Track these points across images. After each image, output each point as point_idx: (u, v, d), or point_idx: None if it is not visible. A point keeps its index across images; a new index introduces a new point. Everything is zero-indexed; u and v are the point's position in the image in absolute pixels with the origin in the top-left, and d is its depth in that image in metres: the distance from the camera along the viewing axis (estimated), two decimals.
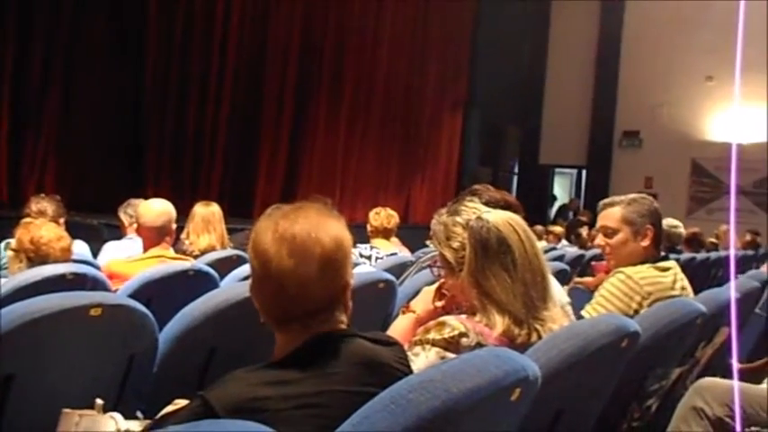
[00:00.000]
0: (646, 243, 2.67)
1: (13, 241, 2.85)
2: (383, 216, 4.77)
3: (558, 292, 2.21)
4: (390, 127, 10.94)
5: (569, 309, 2.38)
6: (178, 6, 8.48)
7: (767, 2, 9.43)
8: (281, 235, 1.30)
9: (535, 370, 1.20)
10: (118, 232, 4.76)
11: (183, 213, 4.59)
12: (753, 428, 2.23)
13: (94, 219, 6.48)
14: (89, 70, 7.79)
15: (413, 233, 6.68)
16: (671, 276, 2.69)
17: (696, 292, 2.80)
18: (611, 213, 2.71)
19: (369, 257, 4.42)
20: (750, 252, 8.57)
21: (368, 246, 4.64)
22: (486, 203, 2.03)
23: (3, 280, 2.64)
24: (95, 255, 4.22)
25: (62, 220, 3.94)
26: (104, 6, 7.83)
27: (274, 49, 9.38)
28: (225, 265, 3.47)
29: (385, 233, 4.74)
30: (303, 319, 1.32)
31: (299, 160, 9.87)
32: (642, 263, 2.69)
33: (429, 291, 1.94)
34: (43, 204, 4.00)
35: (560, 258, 5.50)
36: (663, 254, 2.90)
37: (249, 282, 1.38)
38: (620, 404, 2.07)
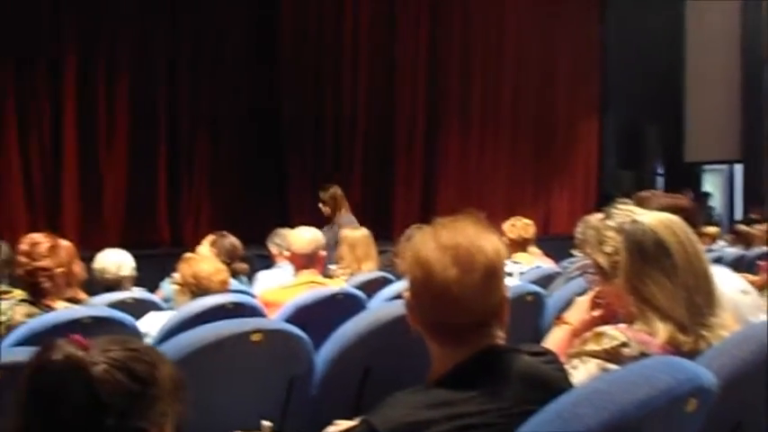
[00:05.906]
0: None
1: (176, 276, 3.04)
2: (519, 226, 4.54)
3: (730, 291, 2.06)
4: (523, 137, 10.74)
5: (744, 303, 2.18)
6: (307, 38, 8.87)
7: None
8: (444, 244, 1.28)
9: (710, 378, 1.12)
10: (267, 262, 4.98)
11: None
12: None
13: (246, 250, 6.80)
14: (231, 113, 8.28)
15: (555, 244, 6.48)
16: None
17: None
18: None
19: (511, 274, 4.24)
20: None
21: (508, 261, 4.49)
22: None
23: (170, 312, 2.84)
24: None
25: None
26: (240, 51, 8.36)
27: (402, 68, 9.57)
28: (371, 287, 3.53)
29: (524, 245, 4.53)
30: (463, 333, 1.29)
31: (434, 181, 9.91)
32: None
33: (582, 301, 1.88)
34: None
35: (719, 260, 5.13)
36: None
37: (405, 296, 1.35)
38: None
